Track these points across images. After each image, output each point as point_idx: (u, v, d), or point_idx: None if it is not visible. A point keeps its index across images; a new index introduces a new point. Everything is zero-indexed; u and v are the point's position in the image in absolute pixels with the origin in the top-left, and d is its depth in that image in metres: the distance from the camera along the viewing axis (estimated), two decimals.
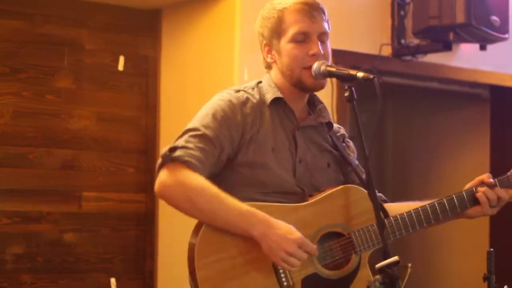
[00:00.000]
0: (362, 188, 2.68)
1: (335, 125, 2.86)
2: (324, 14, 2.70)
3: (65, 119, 5.05)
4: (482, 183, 2.78)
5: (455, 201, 2.74)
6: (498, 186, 2.77)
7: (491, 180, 2.79)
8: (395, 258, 2.30)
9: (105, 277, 5.13)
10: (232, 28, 4.79)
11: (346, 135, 2.89)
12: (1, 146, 4.86)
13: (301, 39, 2.65)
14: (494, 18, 5.01)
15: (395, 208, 2.75)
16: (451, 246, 6.56)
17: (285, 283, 2.54)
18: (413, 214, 2.69)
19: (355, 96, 2.50)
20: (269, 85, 2.72)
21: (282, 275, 2.55)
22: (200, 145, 2.57)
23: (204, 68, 5.04)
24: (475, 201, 2.76)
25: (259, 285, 2.53)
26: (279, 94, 2.69)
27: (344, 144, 2.83)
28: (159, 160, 2.60)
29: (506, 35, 5.15)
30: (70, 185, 5.04)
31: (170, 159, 2.57)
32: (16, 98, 4.91)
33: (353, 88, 2.51)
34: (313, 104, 2.79)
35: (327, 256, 2.62)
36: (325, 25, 2.69)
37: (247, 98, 2.68)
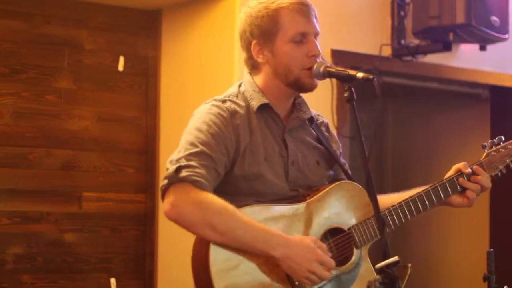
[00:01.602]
0: (356, 183, 2.71)
1: (314, 113, 2.83)
2: (316, 14, 2.70)
3: (65, 119, 5.05)
4: (459, 172, 2.85)
5: (439, 190, 2.81)
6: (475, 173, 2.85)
7: (469, 170, 2.85)
8: (395, 258, 2.30)
9: (105, 277, 5.13)
10: (232, 28, 4.78)
11: (327, 122, 2.88)
12: (1, 147, 4.86)
13: (299, 39, 2.64)
14: (494, 18, 5.01)
15: (381, 199, 2.76)
16: (451, 246, 6.56)
17: (296, 283, 2.55)
18: (404, 205, 2.74)
19: (355, 97, 2.50)
20: (253, 90, 2.69)
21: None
22: (202, 162, 2.52)
23: (204, 68, 5.04)
24: (455, 190, 2.83)
25: (273, 285, 2.54)
26: (265, 100, 2.67)
27: (327, 134, 2.83)
28: (165, 181, 2.52)
29: (506, 36, 5.15)
30: (70, 186, 5.04)
31: (178, 180, 2.50)
32: (16, 98, 4.91)
33: (352, 89, 2.51)
34: (294, 100, 2.78)
35: (331, 253, 2.62)
36: (317, 25, 2.69)
37: (235, 109, 2.64)
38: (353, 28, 5.16)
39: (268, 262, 2.52)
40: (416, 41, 5.22)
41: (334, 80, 4.17)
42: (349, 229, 2.65)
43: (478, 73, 5.70)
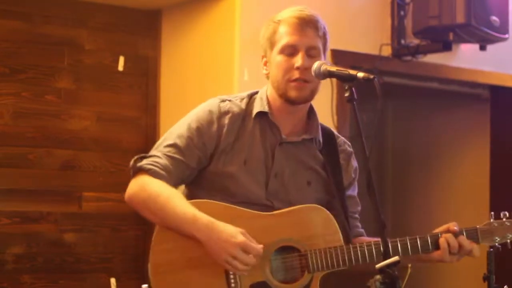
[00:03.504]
0: (327, 211, 2.68)
1: (341, 139, 2.86)
2: (318, 30, 2.71)
3: (65, 119, 5.05)
4: (447, 231, 2.75)
5: (418, 242, 2.71)
6: (464, 235, 2.75)
7: (456, 228, 2.75)
8: (396, 258, 2.30)
9: (105, 277, 5.13)
10: (232, 28, 4.78)
11: (351, 152, 2.86)
12: (1, 147, 4.86)
13: (289, 52, 2.69)
14: (494, 18, 5.01)
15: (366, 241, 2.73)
16: None
17: (233, 285, 2.58)
18: (372, 245, 2.66)
19: (356, 96, 2.50)
20: (261, 98, 2.76)
21: (232, 277, 2.58)
22: (169, 153, 2.66)
23: (204, 68, 5.04)
24: (437, 246, 2.72)
25: (207, 282, 2.57)
26: (265, 108, 2.72)
27: (343, 162, 2.82)
28: (130, 171, 2.70)
29: (506, 35, 5.15)
30: (70, 185, 5.04)
31: (137, 169, 2.67)
32: (16, 98, 4.91)
33: (353, 88, 2.51)
34: (308, 118, 2.81)
35: (280, 268, 2.63)
36: (317, 40, 2.71)
37: (229, 109, 2.72)
38: (353, 28, 5.16)
39: (202, 246, 2.56)
40: (416, 41, 5.22)
41: (334, 80, 4.17)
42: (305, 251, 2.64)
43: (478, 73, 5.70)
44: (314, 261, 2.63)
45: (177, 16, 5.25)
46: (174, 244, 2.58)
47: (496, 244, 2.76)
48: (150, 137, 5.30)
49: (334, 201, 2.77)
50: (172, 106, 5.24)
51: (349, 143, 2.90)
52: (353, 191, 2.85)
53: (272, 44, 2.72)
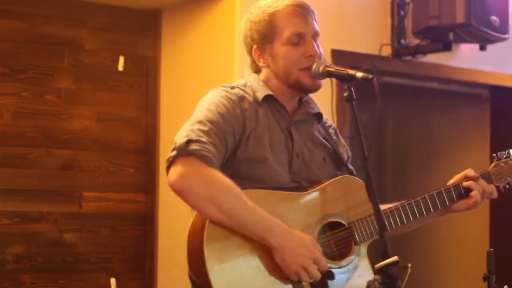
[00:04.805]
0: (359, 179, 2.70)
1: (324, 116, 2.85)
2: (314, 14, 2.71)
3: (65, 119, 5.05)
4: (466, 178, 2.85)
5: (444, 194, 2.80)
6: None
7: (475, 174, 2.87)
8: (395, 258, 2.30)
9: (105, 277, 5.12)
10: (232, 28, 4.78)
11: (335, 127, 2.89)
12: (1, 146, 4.86)
13: (296, 41, 2.66)
14: (494, 18, 5.01)
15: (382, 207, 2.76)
16: (451, 246, 6.56)
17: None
18: (406, 205, 2.73)
19: (354, 96, 2.50)
20: (258, 84, 2.71)
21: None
22: (211, 140, 2.53)
23: (204, 68, 5.04)
24: (461, 195, 2.83)
25: (267, 276, 2.52)
26: (269, 92, 2.69)
27: (335, 138, 2.84)
28: (173, 153, 2.51)
29: (506, 35, 5.15)
30: (70, 185, 5.04)
31: (187, 153, 2.49)
32: (16, 98, 4.91)
33: (352, 88, 2.51)
34: (300, 98, 2.79)
35: (329, 247, 2.63)
36: (316, 25, 2.70)
37: (243, 95, 2.67)
38: (353, 28, 5.16)
39: (263, 249, 2.51)
40: (416, 41, 5.22)
41: (334, 80, 4.17)
42: (349, 224, 2.65)
43: (478, 73, 5.70)
44: (359, 231, 2.63)
45: (177, 16, 5.25)
46: (227, 242, 2.48)
47: (502, 184, 2.90)
48: (150, 137, 5.30)
49: (345, 174, 2.78)
50: (172, 106, 5.24)
51: (328, 118, 2.90)
52: (351, 165, 2.85)
53: (272, 37, 2.67)
